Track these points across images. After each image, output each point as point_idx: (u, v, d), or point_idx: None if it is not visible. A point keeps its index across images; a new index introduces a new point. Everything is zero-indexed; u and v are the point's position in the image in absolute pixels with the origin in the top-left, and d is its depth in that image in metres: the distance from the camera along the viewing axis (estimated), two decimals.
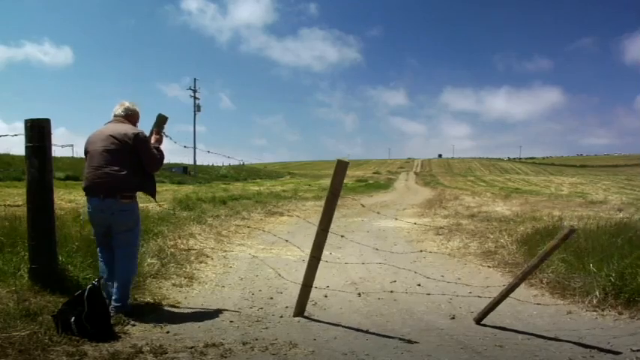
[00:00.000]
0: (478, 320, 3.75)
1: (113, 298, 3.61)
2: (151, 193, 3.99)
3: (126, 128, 3.79)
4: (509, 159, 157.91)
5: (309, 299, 4.40)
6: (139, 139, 3.73)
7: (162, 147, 3.99)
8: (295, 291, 4.76)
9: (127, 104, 4.01)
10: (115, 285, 3.64)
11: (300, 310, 3.91)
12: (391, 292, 4.71)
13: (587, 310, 3.94)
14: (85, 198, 3.92)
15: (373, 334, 3.49)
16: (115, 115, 3.95)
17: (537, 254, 3.74)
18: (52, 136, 3.88)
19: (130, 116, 3.99)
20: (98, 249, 3.87)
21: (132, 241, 3.81)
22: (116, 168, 3.63)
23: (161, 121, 4.14)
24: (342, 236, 5.29)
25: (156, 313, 3.81)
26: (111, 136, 3.68)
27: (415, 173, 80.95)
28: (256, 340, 3.30)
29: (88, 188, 3.74)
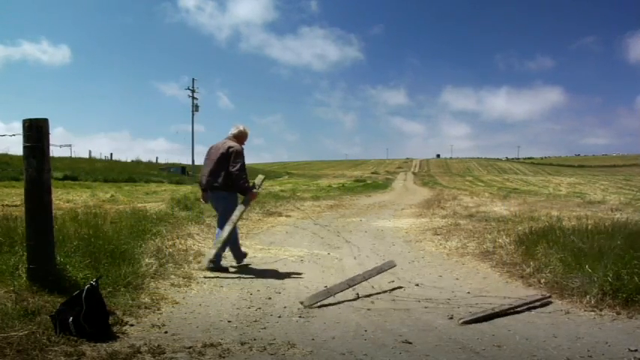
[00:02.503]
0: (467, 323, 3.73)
1: (212, 258, 5.35)
2: (241, 192, 5.56)
3: (230, 145, 5.47)
4: (507, 159, 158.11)
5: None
6: (230, 151, 5.39)
7: (237, 168, 5.39)
8: (294, 291, 4.77)
9: (240, 127, 5.68)
10: (214, 251, 5.36)
11: None
12: (389, 292, 4.72)
13: (585, 310, 3.95)
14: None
15: (371, 334, 3.49)
16: (230, 134, 5.65)
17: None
18: (50, 136, 3.87)
19: (239, 137, 5.64)
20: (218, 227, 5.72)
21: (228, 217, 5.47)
22: (223, 174, 5.40)
23: (262, 181, 6.00)
24: (337, 234, 5.27)
25: (154, 313, 3.81)
26: (222, 151, 5.43)
27: (413, 173, 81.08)
28: (254, 340, 3.31)
29: (207, 183, 5.56)
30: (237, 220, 5.48)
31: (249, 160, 6.32)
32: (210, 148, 5.68)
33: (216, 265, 5.40)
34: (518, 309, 4.02)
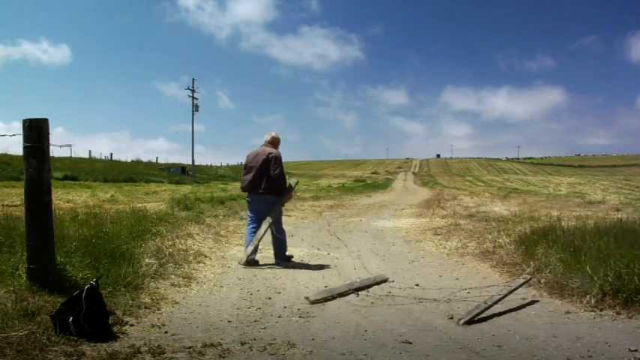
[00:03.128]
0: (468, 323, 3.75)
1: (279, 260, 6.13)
2: (280, 193, 6.06)
3: (270, 151, 6.03)
4: (507, 159, 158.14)
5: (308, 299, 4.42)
6: (271, 158, 5.95)
7: (277, 172, 5.94)
8: (294, 291, 4.77)
9: (273, 134, 6.27)
10: (254, 241, 6.01)
11: None
12: (389, 292, 4.72)
13: (585, 310, 3.95)
14: None
15: (371, 334, 3.49)
16: (265, 141, 6.22)
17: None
18: (50, 136, 3.87)
19: (274, 142, 6.23)
20: (250, 222, 6.23)
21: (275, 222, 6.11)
22: (264, 179, 5.94)
23: (296, 183, 6.86)
24: (337, 234, 5.28)
25: (154, 313, 3.81)
26: (263, 157, 5.98)
27: (413, 173, 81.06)
28: (254, 340, 3.31)
29: (246, 188, 6.20)
30: (273, 219, 6.05)
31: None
32: (249, 156, 6.22)
33: (248, 259, 5.96)
34: (508, 295, 4.22)
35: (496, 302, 4.09)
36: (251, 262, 5.94)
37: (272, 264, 6.07)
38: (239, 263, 5.97)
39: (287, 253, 6.29)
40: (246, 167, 6.23)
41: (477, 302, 4.14)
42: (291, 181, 6.52)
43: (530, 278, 4.76)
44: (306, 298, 4.42)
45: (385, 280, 5.16)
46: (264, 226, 6.02)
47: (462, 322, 3.74)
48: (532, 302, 4.29)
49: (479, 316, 3.83)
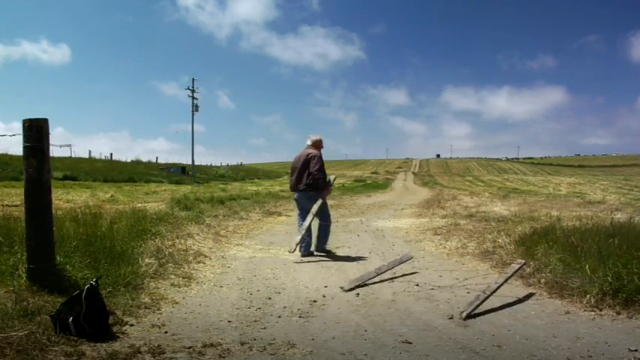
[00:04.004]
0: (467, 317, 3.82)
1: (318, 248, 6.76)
2: (320, 189, 6.66)
3: (309, 152, 6.71)
4: (507, 159, 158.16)
5: (308, 299, 4.42)
6: (310, 157, 6.62)
7: (316, 169, 6.58)
8: (294, 291, 4.77)
9: (313, 137, 6.91)
10: (316, 235, 6.74)
11: None
12: (389, 292, 4.72)
13: (585, 310, 3.95)
14: None
15: (371, 334, 3.49)
16: (307, 144, 6.89)
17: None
18: (50, 136, 3.88)
19: (316, 144, 6.88)
20: (299, 217, 6.92)
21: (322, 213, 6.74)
22: (305, 176, 6.62)
23: (335, 178, 7.37)
24: (337, 234, 5.28)
25: (154, 313, 3.81)
26: (303, 158, 6.70)
27: (413, 173, 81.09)
28: (254, 340, 3.31)
29: (294, 186, 6.84)
30: (316, 212, 6.64)
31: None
32: (295, 158, 6.95)
33: (306, 252, 6.61)
34: (505, 283, 4.46)
35: (494, 291, 4.21)
36: (305, 254, 6.57)
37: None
38: (289, 251, 6.60)
39: (327, 247, 6.81)
40: (291, 169, 6.99)
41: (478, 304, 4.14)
42: (330, 176, 7.05)
43: (525, 263, 4.90)
44: (341, 287, 4.85)
45: (410, 258, 5.73)
46: (309, 218, 6.61)
47: (464, 314, 3.81)
48: (530, 295, 4.30)
49: (479, 307, 3.91)
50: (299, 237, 6.53)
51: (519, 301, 4.33)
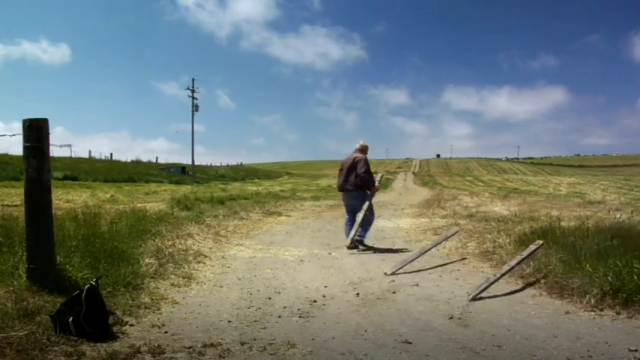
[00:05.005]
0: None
1: (358, 235, 7.22)
2: (366, 188, 7.36)
3: (355, 156, 7.40)
4: (507, 159, 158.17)
5: (308, 299, 4.42)
6: (356, 161, 7.31)
7: (362, 171, 7.24)
8: (294, 291, 4.77)
9: (361, 142, 7.57)
10: (359, 230, 7.19)
11: None
12: (389, 292, 4.72)
13: (585, 310, 3.94)
14: None
15: (371, 334, 3.49)
16: (355, 149, 7.54)
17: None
18: (50, 136, 3.88)
19: (362, 149, 7.53)
20: (347, 216, 7.60)
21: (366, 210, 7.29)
22: (352, 178, 7.30)
23: (382, 177, 8.21)
24: (337, 234, 5.28)
25: (154, 313, 3.81)
26: (350, 161, 7.41)
27: (413, 173, 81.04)
28: (254, 340, 3.31)
29: (342, 187, 7.52)
30: (367, 209, 7.25)
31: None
32: (343, 162, 7.63)
33: (361, 245, 7.19)
34: (517, 265, 4.78)
35: (506, 273, 4.58)
36: (353, 248, 7.14)
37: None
38: (347, 248, 7.13)
39: (366, 241, 7.33)
40: (339, 171, 7.68)
41: (477, 302, 4.15)
42: (377, 176, 7.78)
43: (542, 244, 5.08)
44: (385, 273, 5.40)
45: (456, 232, 6.53)
46: (361, 215, 7.23)
47: (470, 297, 4.18)
48: (530, 295, 4.30)
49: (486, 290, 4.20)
50: (352, 232, 7.17)
51: (519, 301, 4.33)
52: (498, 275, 4.29)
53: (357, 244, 7.17)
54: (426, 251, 6.07)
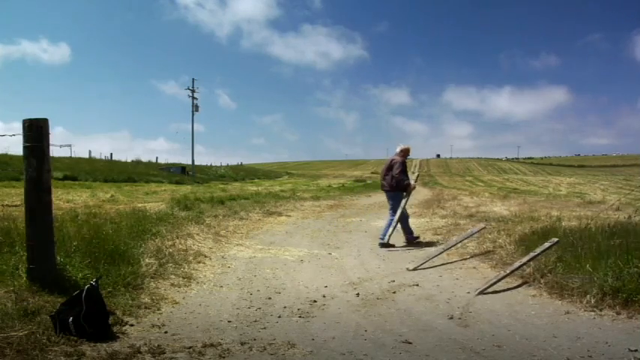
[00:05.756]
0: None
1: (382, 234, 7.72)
2: (401, 189, 7.84)
3: (393, 158, 8.05)
4: (507, 159, 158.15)
5: (308, 299, 4.42)
6: (393, 163, 7.88)
7: (396, 172, 7.77)
8: (294, 291, 4.77)
9: (401, 146, 8.05)
10: (391, 227, 7.63)
11: None
12: (389, 292, 4.72)
13: (585, 310, 3.94)
14: None
15: (371, 334, 3.49)
16: (395, 152, 8.13)
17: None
18: (51, 136, 3.88)
19: (401, 152, 8.03)
20: (389, 212, 7.99)
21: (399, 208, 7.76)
22: (388, 179, 7.89)
23: (417, 177, 8.70)
24: (337, 234, 5.28)
25: (154, 313, 3.81)
26: (388, 163, 8.02)
27: (413, 173, 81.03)
28: (254, 340, 3.31)
29: (382, 187, 8.15)
30: (403, 207, 7.78)
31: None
32: (384, 165, 8.25)
33: (385, 242, 7.51)
34: (530, 261, 4.84)
35: (516, 269, 4.72)
36: (387, 245, 7.52)
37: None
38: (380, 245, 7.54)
39: (415, 235, 7.95)
40: (381, 173, 8.43)
41: (477, 302, 4.15)
42: (413, 175, 8.42)
43: (558, 241, 5.08)
44: (407, 268, 5.67)
45: (483, 228, 6.59)
46: (398, 212, 7.72)
47: (477, 291, 4.36)
48: (530, 295, 4.30)
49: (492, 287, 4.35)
50: (391, 229, 7.65)
51: (519, 301, 4.33)
52: (508, 271, 4.43)
53: (388, 243, 7.53)
54: (449, 247, 6.31)
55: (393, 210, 7.87)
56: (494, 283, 4.23)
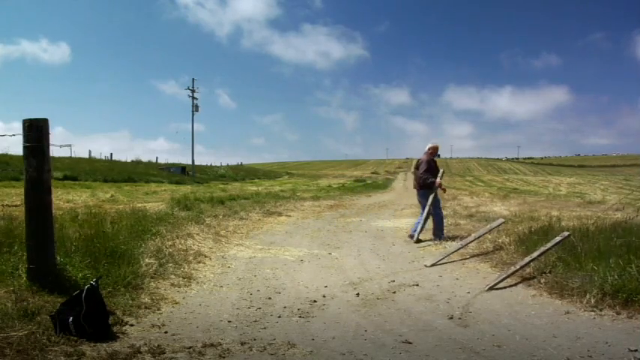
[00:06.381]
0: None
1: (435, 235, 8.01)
2: (428, 187, 8.12)
3: (420, 158, 8.50)
4: (507, 159, 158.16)
5: (308, 299, 4.42)
6: (419, 162, 8.37)
7: (421, 172, 8.19)
8: (294, 291, 4.77)
9: (430, 145, 8.37)
10: (419, 225, 7.97)
11: None
12: (389, 292, 4.72)
13: (585, 310, 3.94)
14: None
15: (371, 334, 3.50)
16: (425, 151, 8.42)
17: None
18: (51, 136, 3.88)
19: (430, 151, 8.35)
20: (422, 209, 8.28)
21: (432, 206, 8.07)
22: (416, 178, 8.37)
23: (442, 173, 8.47)
24: (337, 234, 5.28)
25: (154, 313, 3.81)
26: (417, 163, 8.57)
27: (413, 173, 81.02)
28: (254, 340, 3.31)
29: (414, 186, 8.62)
30: (429, 205, 8.05)
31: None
32: (414, 165, 8.83)
33: (438, 240, 7.77)
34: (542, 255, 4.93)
35: (527, 263, 4.85)
36: (415, 239, 7.81)
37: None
38: (414, 241, 7.80)
39: (444, 233, 8.05)
40: (413, 173, 9.03)
41: (477, 302, 4.15)
42: (440, 173, 8.43)
43: (569, 235, 5.15)
44: (425, 265, 5.85)
45: (503, 222, 6.70)
46: (426, 209, 8.06)
47: (487, 287, 4.56)
48: (530, 295, 4.30)
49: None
50: (420, 226, 7.97)
51: (519, 301, 4.33)
52: (518, 267, 4.67)
53: (420, 239, 7.83)
54: (468, 243, 6.48)
55: (423, 208, 8.22)
56: (504, 278, 4.41)
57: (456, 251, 6.00)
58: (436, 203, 8.21)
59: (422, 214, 8.19)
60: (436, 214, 8.12)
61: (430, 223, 8.18)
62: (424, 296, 4.54)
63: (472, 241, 6.21)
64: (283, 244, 7.63)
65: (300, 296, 4.53)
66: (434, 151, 8.46)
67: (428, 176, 8.08)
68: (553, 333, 3.48)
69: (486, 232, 6.13)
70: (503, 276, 4.54)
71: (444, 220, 8.41)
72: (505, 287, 4.68)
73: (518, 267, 4.68)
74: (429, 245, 7.49)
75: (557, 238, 4.88)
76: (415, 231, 7.93)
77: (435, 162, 8.38)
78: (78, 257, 4.36)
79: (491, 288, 4.66)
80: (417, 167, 8.44)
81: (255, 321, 3.76)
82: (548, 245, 4.79)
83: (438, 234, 7.98)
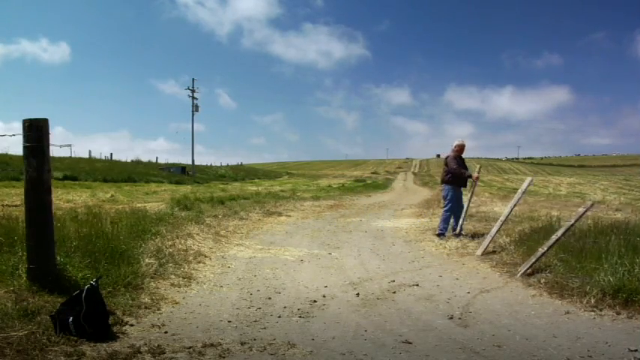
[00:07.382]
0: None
1: (454, 227, 8.31)
2: (453, 183, 8.38)
3: (447, 154, 8.70)
4: (507, 159, 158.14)
5: (308, 299, 4.42)
6: (447, 159, 8.59)
7: (449, 168, 8.41)
8: (294, 291, 4.77)
9: (457, 142, 8.53)
10: (454, 219, 8.35)
11: None
12: (389, 292, 4.72)
13: (585, 310, 3.95)
14: None
15: (371, 334, 3.49)
16: (451, 148, 8.58)
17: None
18: (51, 136, 3.88)
19: (456, 149, 8.51)
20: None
21: (447, 201, 8.41)
22: (443, 174, 8.56)
23: (480, 168, 9.13)
24: (337, 234, 5.28)
25: (154, 313, 3.81)
26: (444, 159, 8.76)
27: (413, 173, 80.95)
28: (254, 340, 3.31)
29: (441, 181, 8.72)
30: (453, 200, 8.33)
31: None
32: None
33: (456, 236, 8.03)
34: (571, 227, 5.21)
35: (556, 241, 5.04)
36: (440, 235, 8.12)
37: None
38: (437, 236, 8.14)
39: (462, 231, 8.20)
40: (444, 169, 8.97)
41: (477, 302, 4.14)
42: (476, 167, 8.86)
43: (592, 204, 5.39)
44: (477, 254, 6.29)
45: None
46: (449, 205, 8.29)
47: (520, 273, 4.96)
48: (530, 295, 4.29)
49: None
50: (444, 224, 8.27)
51: (519, 301, 4.33)
52: (545, 248, 4.91)
53: (461, 233, 8.09)
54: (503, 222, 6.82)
55: (448, 203, 8.35)
56: (534, 262, 4.92)
57: (496, 232, 6.60)
58: (458, 199, 8.42)
59: (446, 209, 8.34)
60: (452, 209, 8.30)
61: (449, 219, 8.42)
62: (424, 296, 4.54)
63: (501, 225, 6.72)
64: (283, 244, 7.63)
65: (300, 296, 4.53)
66: (460, 149, 8.54)
67: (454, 171, 8.25)
68: (553, 333, 3.48)
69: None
70: (532, 261, 4.96)
71: (450, 219, 8.49)
72: (490, 297, 4.63)
73: (545, 248, 5.01)
74: (461, 240, 7.71)
75: (581, 210, 5.07)
76: (443, 230, 8.15)
77: (462, 159, 8.51)
78: (78, 257, 4.36)
79: (523, 275, 5.01)
80: (444, 163, 8.58)
81: (255, 321, 3.76)
82: (572, 220, 5.06)
83: (457, 228, 8.22)
